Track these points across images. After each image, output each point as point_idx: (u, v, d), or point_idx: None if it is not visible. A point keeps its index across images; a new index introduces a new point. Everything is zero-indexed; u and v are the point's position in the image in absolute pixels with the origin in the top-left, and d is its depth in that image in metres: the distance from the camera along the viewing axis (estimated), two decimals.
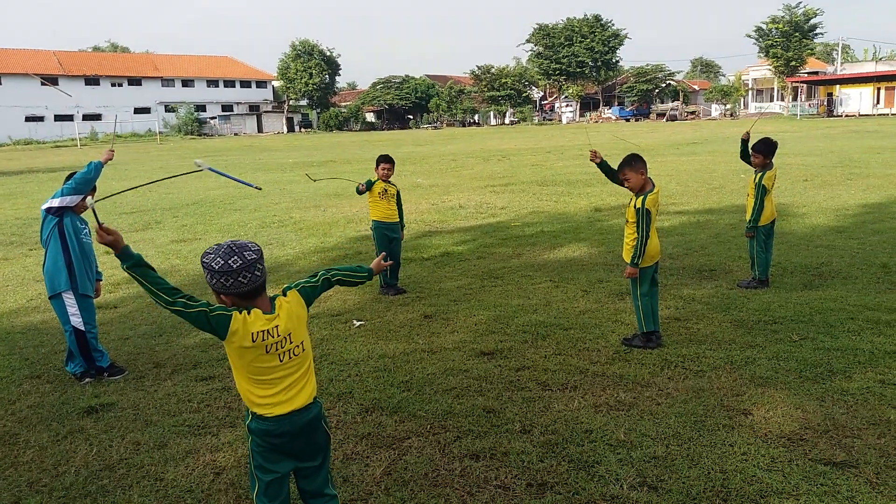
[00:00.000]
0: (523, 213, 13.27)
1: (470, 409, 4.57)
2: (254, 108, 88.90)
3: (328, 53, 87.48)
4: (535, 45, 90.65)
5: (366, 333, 6.38)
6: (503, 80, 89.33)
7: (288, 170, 27.92)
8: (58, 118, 76.56)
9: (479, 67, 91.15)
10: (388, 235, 7.71)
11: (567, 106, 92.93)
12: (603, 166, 5.98)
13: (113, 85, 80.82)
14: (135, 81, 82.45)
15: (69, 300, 5.37)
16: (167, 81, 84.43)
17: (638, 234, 5.45)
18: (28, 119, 75.11)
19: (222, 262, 2.58)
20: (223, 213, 15.34)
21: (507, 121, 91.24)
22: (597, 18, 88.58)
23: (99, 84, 79.88)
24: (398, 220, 7.81)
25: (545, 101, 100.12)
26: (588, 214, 12.72)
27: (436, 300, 7.39)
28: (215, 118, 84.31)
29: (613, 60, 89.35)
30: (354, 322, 6.73)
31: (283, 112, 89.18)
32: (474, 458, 3.94)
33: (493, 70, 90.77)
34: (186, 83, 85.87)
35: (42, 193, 21.74)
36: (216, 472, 3.93)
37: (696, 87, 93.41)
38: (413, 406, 4.65)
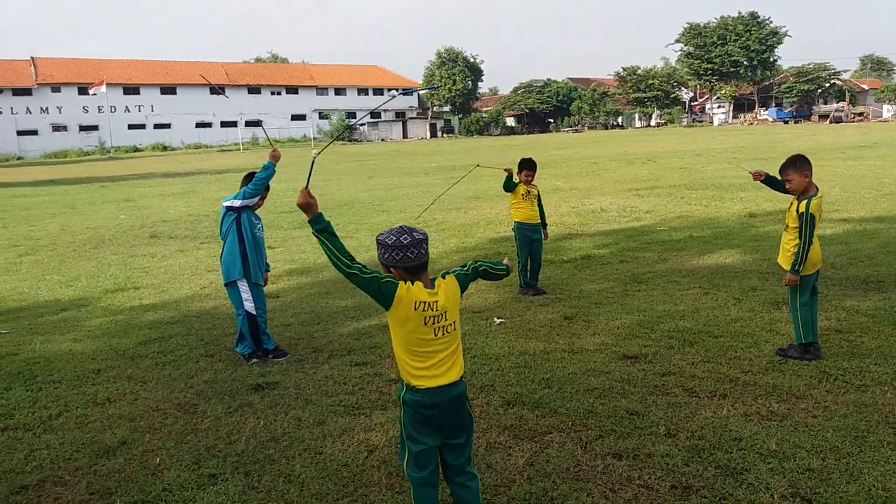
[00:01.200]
0: (670, 217, 12.87)
1: (612, 409, 4.56)
2: (400, 115, 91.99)
3: (471, 60, 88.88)
4: (685, 45, 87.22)
5: (506, 331, 6.50)
6: (650, 82, 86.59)
7: (431, 173, 28.71)
8: (223, 124, 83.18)
9: (624, 69, 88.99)
10: (529, 236, 7.80)
11: (719, 107, 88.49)
12: (767, 181, 5.73)
13: (273, 93, 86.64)
14: (292, 90, 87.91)
15: (243, 287, 5.91)
16: (321, 90, 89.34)
17: (800, 239, 5.18)
18: (198, 125, 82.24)
19: (395, 238, 2.90)
20: (372, 214, 16.08)
21: (653, 122, 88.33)
22: (753, 16, 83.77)
23: (260, 93, 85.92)
24: (539, 221, 7.88)
25: (695, 103, 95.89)
26: (741, 220, 12.12)
27: (576, 302, 7.39)
28: (364, 125, 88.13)
29: (771, 59, 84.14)
30: (495, 319, 6.87)
31: (426, 118, 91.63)
32: (617, 458, 3.94)
33: (639, 71, 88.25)
34: (339, 91, 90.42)
35: (211, 192, 23.81)
36: (369, 449, 4.20)
37: (864, 87, 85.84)
38: (554, 402, 4.71)
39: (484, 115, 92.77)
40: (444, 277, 3.08)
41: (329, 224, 3.04)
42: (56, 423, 4.87)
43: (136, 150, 75.54)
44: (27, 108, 74.61)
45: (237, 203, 5.93)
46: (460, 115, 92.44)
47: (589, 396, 4.79)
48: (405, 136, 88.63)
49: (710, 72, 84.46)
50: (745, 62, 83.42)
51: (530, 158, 8.04)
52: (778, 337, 5.86)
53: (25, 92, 74.43)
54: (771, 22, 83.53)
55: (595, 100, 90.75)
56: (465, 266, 3.26)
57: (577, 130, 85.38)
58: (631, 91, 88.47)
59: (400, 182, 25.12)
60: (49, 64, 78.15)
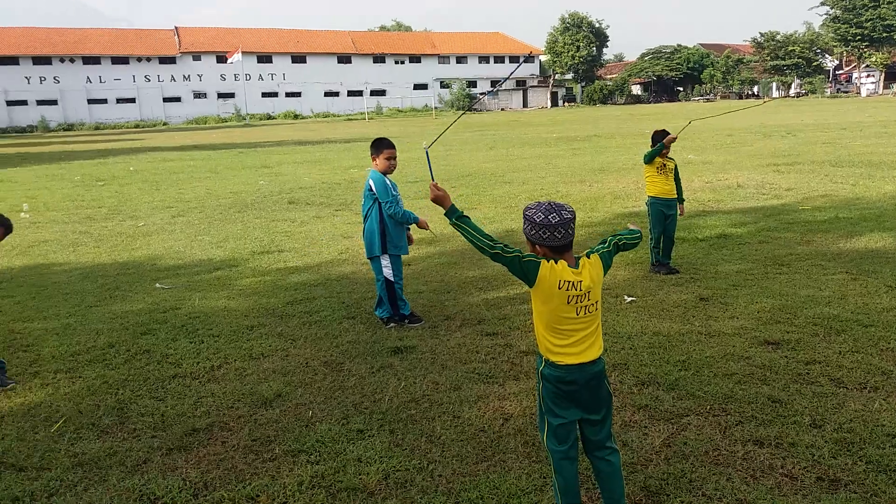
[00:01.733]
0: (813, 195, 12.12)
1: (753, 396, 4.47)
2: (520, 84, 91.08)
3: (597, 25, 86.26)
4: (832, 9, 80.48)
5: (637, 309, 6.45)
6: (790, 48, 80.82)
7: (553, 144, 28.38)
8: (350, 93, 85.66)
9: (761, 34, 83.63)
10: (664, 212, 7.62)
11: (868, 76, 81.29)
12: None
13: (396, 63, 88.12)
14: (415, 59, 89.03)
15: (384, 261, 6.21)
16: (443, 59, 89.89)
17: None
18: (326, 94, 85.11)
19: (543, 216, 2.92)
20: (494, 185, 16.17)
21: (791, 93, 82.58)
22: None
23: (385, 62, 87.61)
24: (676, 196, 7.67)
25: (840, 72, 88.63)
26: (894, 201, 11.24)
27: (712, 283, 7.19)
28: (485, 94, 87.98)
29: None
30: (626, 297, 6.83)
31: (548, 86, 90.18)
32: (758, 444, 3.88)
33: (778, 37, 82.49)
34: (460, 59, 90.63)
35: (341, 161, 24.73)
36: (505, 417, 4.36)
37: None
38: (691, 385, 4.67)
39: (608, 82, 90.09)
40: (588, 257, 3.07)
41: (462, 212, 3.16)
42: (218, 373, 5.37)
43: (269, 117, 79.33)
44: (171, 76, 79.98)
45: (389, 211, 6.16)
46: (583, 83, 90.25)
47: (728, 381, 4.71)
48: (525, 105, 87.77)
49: (859, 37, 77.59)
50: None
51: (664, 129, 7.79)
52: None
53: (170, 60, 79.75)
54: None
55: (729, 67, 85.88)
56: (605, 243, 3.22)
57: (708, 100, 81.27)
58: (769, 58, 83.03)
59: (521, 153, 25.02)
60: (190, 33, 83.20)
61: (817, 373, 4.79)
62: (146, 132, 62.09)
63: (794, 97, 78.09)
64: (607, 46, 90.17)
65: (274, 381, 5.11)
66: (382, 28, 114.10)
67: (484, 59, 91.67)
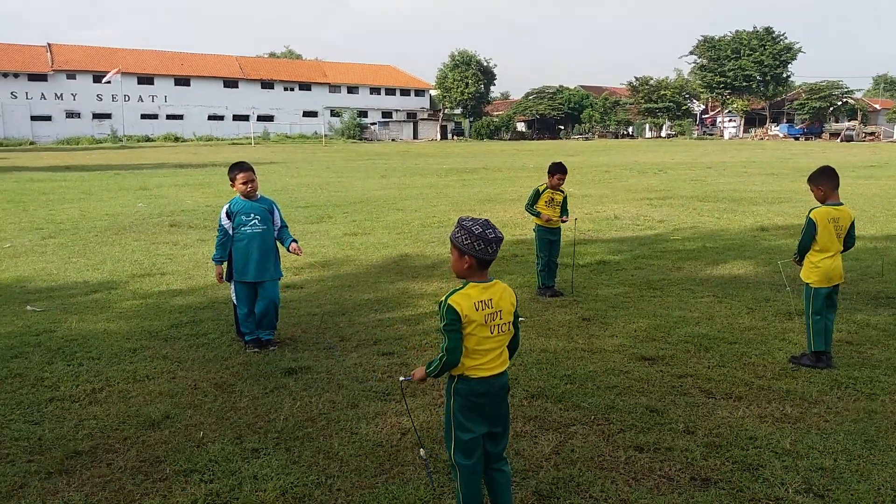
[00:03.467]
0: (683, 227, 13.08)
1: (633, 406, 4.78)
2: (411, 116, 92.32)
3: (485, 64, 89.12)
4: (699, 58, 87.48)
5: (526, 329, 6.72)
6: (662, 93, 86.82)
7: (444, 175, 28.94)
8: (236, 118, 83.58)
9: (636, 79, 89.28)
10: (549, 238, 8.02)
11: (730, 121, 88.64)
12: None
13: (286, 89, 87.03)
14: (305, 86, 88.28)
15: (231, 286, 6.31)
16: (334, 87, 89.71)
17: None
18: (210, 118, 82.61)
19: (481, 230, 3.09)
20: (387, 212, 16.29)
21: (663, 134, 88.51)
22: (767, 31, 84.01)
23: (273, 88, 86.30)
24: (558, 224, 8.08)
25: (706, 115, 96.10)
26: (753, 233, 12.33)
27: (593, 305, 7.61)
28: (375, 124, 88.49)
29: (784, 75, 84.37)
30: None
31: (437, 120, 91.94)
32: (638, 450, 4.16)
33: (651, 81, 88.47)
34: (351, 90, 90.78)
35: (225, 185, 23.92)
36: (402, 432, 4.42)
37: (877, 107, 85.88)
38: (576, 397, 4.93)
39: (495, 118, 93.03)
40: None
41: (430, 367, 3.22)
42: (100, 396, 5.11)
43: (148, 139, 75.94)
44: (42, 94, 75.02)
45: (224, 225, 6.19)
46: (471, 118, 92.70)
47: (610, 393, 5.01)
48: (415, 136, 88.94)
49: (722, 85, 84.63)
50: (757, 77, 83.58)
51: (561, 162, 8.21)
52: (790, 346, 6.07)
53: (41, 78, 74.87)
54: (785, 38, 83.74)
55: (606, 108, 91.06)
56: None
57: (587, 138, 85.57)
58: (642, 101, 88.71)
59: (413, 182, 25.35)
60: (65, 51, 78.64)
61: (689, 385, 5.19)
62: (10, 150, 57.76)
63: (665, 138, 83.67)
64: (494, 84, 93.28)
65: (161, 403, 4.93)
66: (272, 55, 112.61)
67: (375, 90, 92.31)
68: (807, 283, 5.69)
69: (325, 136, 79.73)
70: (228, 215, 6.18)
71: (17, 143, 70.63)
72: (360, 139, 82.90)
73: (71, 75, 75.85)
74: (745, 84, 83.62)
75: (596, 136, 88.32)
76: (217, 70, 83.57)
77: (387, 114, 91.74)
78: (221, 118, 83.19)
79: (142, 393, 5.15)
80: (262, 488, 3.73)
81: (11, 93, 73.49)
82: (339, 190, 21.92)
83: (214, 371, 5.62)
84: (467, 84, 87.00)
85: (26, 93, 74.24)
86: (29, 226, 14.62)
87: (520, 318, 6.85)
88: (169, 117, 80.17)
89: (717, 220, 13.93)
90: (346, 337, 6.54)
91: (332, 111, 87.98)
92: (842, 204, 5.60)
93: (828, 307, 5.62)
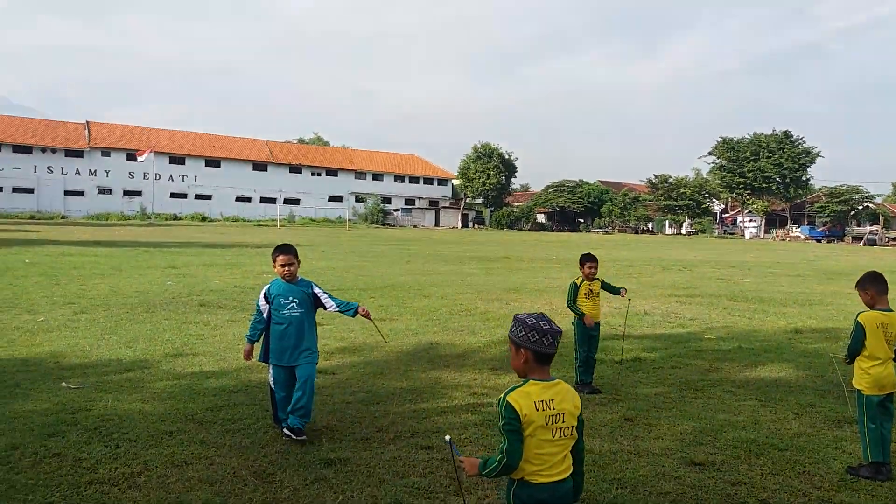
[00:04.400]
0: (715, 326, 12.93)
1: None
2: (433, 203, 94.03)
3: (506, 156, 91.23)
4: (718, 158, 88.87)
5: None
6: (682, 191, 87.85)
7: (467, 262, 29.12)
8: (263, 200, 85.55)
9: (656, 176, 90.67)
10: (589, 333, 7.96)
11: (751, 220, 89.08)
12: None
13: (313, 174, 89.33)
14: (332, 172, 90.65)
15: (269, 369, 6.30)
16: (360, 174, 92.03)
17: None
18: (238, 199, 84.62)
19: (535, 321, 3.06)
20: (413, 298, 16.31)
21: (683, 231, 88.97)
22: (786, 135, 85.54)
23: (301, 172, 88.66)
24: (600, 319, 8.05)
25: (726, 215, 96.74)
26: (787, 335, 12.14)
27: (633, 404, 7.44)
28: (398, 210, 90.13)
29: (803, 178, 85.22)
30: None
31: (459, 208, 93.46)
32: None
33: (671, 180, 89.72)
34: (376, 176, 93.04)
35: (254, 265, 24.35)
36: None
37: None
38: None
39: (515, 209, 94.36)
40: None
41: (485, 465, 3.10)
42: (139, 480, 5.01)
43: (176, 218, 77.68)
44: (77, 170, 77.64)
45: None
46: (492, 208, 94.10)
47: (664, 500, 4.83)
48: (437, 223, 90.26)
49: (742, 186, 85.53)
50: (777, 179, 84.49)
51: (590, 252, 8.29)
52: (845, 455, 5.86)
53: (77, 154, 77.69)
54: (804, 142, 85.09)
55: (626, 204, 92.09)
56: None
57: (607, 232, 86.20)
58: (662, 198, 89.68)
59: (437, 269, 25.50)
60: (102, 128, 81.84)
61: (745, 493, 4.99)
62: (42, 224, 59.23)
63: (685, 235, 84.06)
64: (515, 176, 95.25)
65: (201, 491, 4.82)
66: (301, 140, 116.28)
67: (399, 178, 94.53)
68: (858, 390, 5.55)
69: (350, 220, 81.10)
70: (266, 297, 6.22)
71: (49, 216, 72.58)
72: (383, 224, 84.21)
73: (106, 152, 78.63)
74: (764, 185, 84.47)
75: (615, 231, 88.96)
76: (247, 153, 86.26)
77: (409, 201, 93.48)
78: (249, 200, 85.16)
79: (181, 479, 5.05)
80: None
81: (48, 167, 76.14)
82: (364, 274, 22.05)
83: (252, 459, 5.51)
84: (489, 175, 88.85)
85: (62, 168, 76.86)
86: (61, 300, 14.77)
87: None
88: (198, 197, 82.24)
89: (749, 321, 13.76)
90: (383, 428, 6.41)
91: (356, 196, 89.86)
92: (891, 310, 5.53)
93: (883, 415, 5.46)
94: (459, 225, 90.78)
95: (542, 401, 3.00)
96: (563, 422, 3.04)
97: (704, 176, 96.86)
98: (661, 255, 37.54)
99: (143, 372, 8.49)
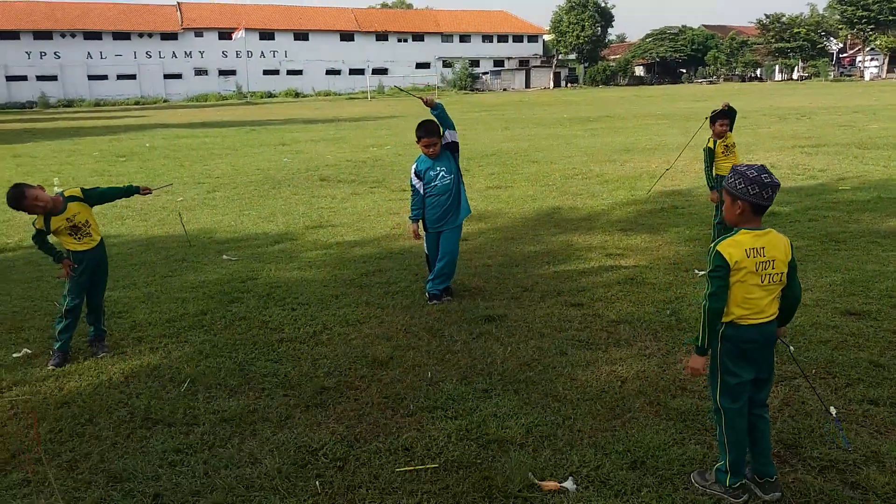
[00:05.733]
0: (848, 177, 12.32)
1: (853, 361, 4.68)
2: (523, 63, 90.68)
3: (603, 4, 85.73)
4: None
5: None
6: (795, 30, 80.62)
7: (567, 125, 28.46)
8: (352, 72, 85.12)
9: (766, 16, 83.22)
10: None
11: (872, 60, 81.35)
12: None
13: (399, 40, 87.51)
14: (418, 37, 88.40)
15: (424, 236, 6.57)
16: (446, 37, 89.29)
17: None
18: (328, 72, 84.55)
19: (756, 173, 3.09)
20: (522, 165, 16.29)
21: (795, 76, 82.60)
22: None
23: (387, 40, 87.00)
24: None
25: (844, 55, 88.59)
26: None
27: None
28: (487, 73, 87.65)
29: None
30: (696, 271, 7.02)
31: (551, 67, 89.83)
32: (873, 404, 4.10)
33: (783, 19, 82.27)
34: (463, 38, 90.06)
35: (357, 139, 24.76)
36: (620, 380, 4.56)
37: None
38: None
39: (611, 63, 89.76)
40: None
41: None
42: (322, 338, 5.55)
43: (270, 95, 78.84)
44: (173, 53, 79.21)
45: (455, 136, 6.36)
46: (586, 64, 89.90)
47: (825, 348, 4.92)
48: (527, 85, 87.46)
49: (865, 20, 77.40)
50: None
51: (722, 109, 7.98)
52: None
53: (172, 37, 78.96)
54: None
55: (733, 49, 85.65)
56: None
57: (711, 82, 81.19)
58: (773, 41, 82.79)
59: (537, 133, 25.11)
60: (193, 9, 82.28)
61: None
62: (147, 108, 61.74)
63: (797, 80, 78.10)
64: (612, 27, 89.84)
65: (381, 346, 5.31)
66: (384, 5, 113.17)
67: (488, 38, 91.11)
68: None
69: (438, 87, 79.89)
70: (417, 174, 6.42)
71: (152, 100, 75.39)
72: (472, 90, 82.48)
73: (199, 33, 79.46)
74: (891, 18, 76.10)
75: (721, 80, 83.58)
76: (334, 23, 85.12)
77: (498, 62, 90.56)
78: (338, 72, 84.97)
79: (359, 336, 5.56)
80: (506, 426, 3.99)
81: (146, 52, 78.07)
82: (466, 142, 21.94)
83: (418, 317, 5.96)
84: (583, 27, 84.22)
85: (159, 52, 78.60)
86: (190, 180, 15.71)
87: (700, 273, 6.80)
88: (289, 73, 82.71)
89: (885, 169, 13.00)
90: (528, 287, 6.71)
91: (444, 62, 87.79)
92: None
93: None
94: (552, 85, 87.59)
95: (752, 248, 3.10)
96: (773, 268, 3.14)
97: (820, 13, 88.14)
98: (775, 104, 35.26)
99: (292, 243, 9.11)
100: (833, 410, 3.68)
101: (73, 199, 5.27)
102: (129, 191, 5.64)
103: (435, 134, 6.25)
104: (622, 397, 4.32)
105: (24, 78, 73.43)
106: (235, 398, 4.50)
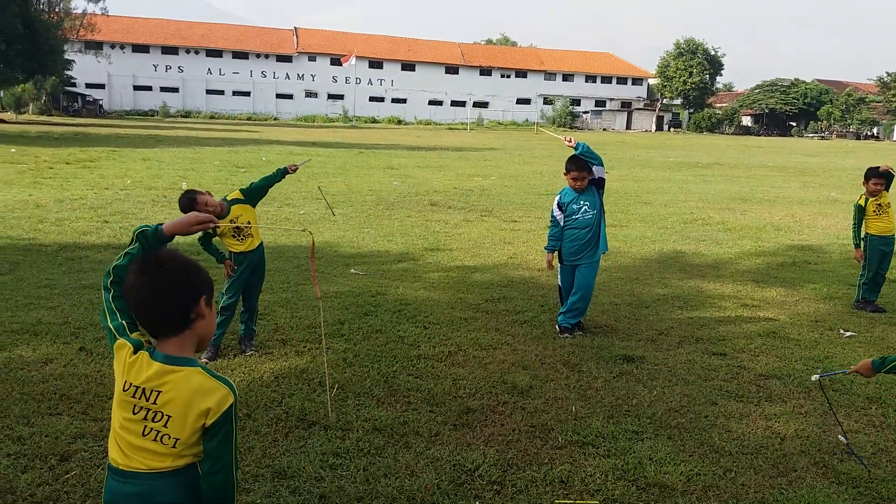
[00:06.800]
0: None
1: None
2: (625, 105, 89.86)
3: (713, 52, 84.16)
4: None
5: (860, 344, 6.29)
6: None
7: (675, 169, 27.88)
8: (453, 103, 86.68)
9: (888, 74, 79.43)
10: (882, 250, 7.44)
11: None
12: None
13: (502, 76, 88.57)
14: (521, 74, 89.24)
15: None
16: (549, 75, 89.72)
17: None
18: (430, 102, 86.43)
19: None
20: (635, 205, 16.02)
21: None
22: None
23: (490, 75, 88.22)
24: (894, 234, 7.47)
25: None
26: None
27: None
28: (588, 112, 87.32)
29: None
30: (842, 332, 6.67)
31: (654, 110, 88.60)
32: None
33: None
34: (566, 77, 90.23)
35: (460, 168, 25.07)
36: (780, 437, 4.34)
37: None
38: None
39: (718, 111, 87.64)
40: None
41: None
42: (458, 359, 5.58)
43: (374, 121, 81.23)
44: (286, 74, 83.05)
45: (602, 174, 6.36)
46: (691, 110, 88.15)
47: None
48: (628, 126, 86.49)
49: None
50: None
51: (878, 167, 7.63)
52: None
53: (286, 59, 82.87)
54: None
55: (849, 105, 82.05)
56: None
57: (823, 137, 77.94)
58: (893, 99, 78.85)
59: (645, 175, 24.72)
60: (308, 34, 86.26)
61: None
62: (259, 125, 64.73)
63: None
64: (721, 74, 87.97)
65: (518, 374, 5.27)
66: (489, 42, 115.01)
67: (591, 78, 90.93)
68: None
69: (537, 123, 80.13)
70: (560, 206, 6.43)
71: (263, 118, 79.04)
72: (571, 127, 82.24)
73: (311, 57, 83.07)
74: None
75: (834, 136, 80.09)
76: (440, 56, 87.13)
77: (600, 102, 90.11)
78: (441, 103, 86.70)
79: (493, 361, 5.55)
80: (664, 471, 3.86)
81: (262, 72, 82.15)
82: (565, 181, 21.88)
83: (551, 349, 5.90)
84: (691, 73, 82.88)
85: (273, 72, 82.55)
86: (308, 196, 16.27)
87: (847, 333, 6.45)
88: (394, 101, 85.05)
89: None
90: (663, 331, 6.54)
91: (545, 98, 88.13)
92: None
93: None
94: (654, 128, 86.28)
95: None
96: None
97: None
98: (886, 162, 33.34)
99: (413, 263, 9.25)
100: (843, 438, 3.69)
101: (235, 202, 5.55)
102: (280, 174, 5.90)
103: (585, 169, 6.24)
104: (784, 455, 4.12)
105: (149, 88, 78.69)
106: (384, 408, 4.57)
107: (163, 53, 79.39)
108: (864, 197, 7.58)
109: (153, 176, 18.48)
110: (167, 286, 1.97)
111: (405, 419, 4.41)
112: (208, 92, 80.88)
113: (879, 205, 7.51)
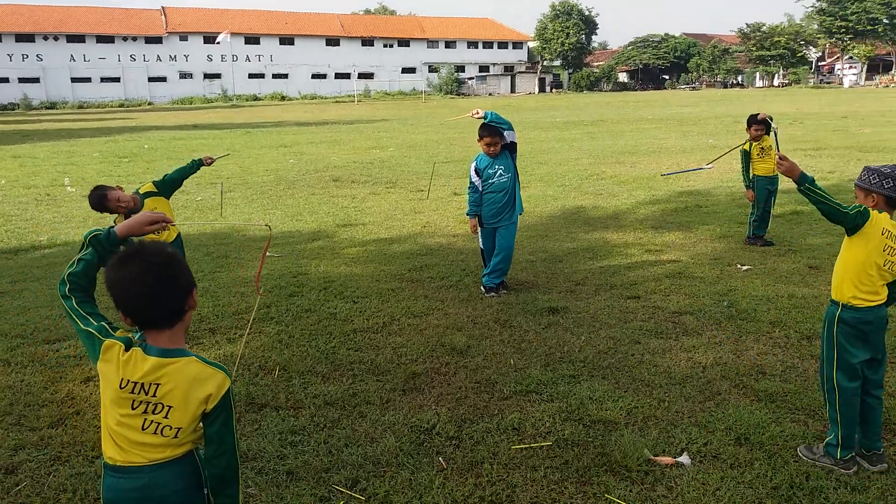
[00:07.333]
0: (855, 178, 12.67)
1: None
2: (508, 69, 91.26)
3: (587, 13, 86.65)
4: (818, 1, 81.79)
5: (757, 276, 6.87)
6: (776, 39, 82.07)
7: (563, 128, 28.77)
8: (338, 76, 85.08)
9: (748, 25, 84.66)
10: (768, 189, 8.09)
11: (850, 68, 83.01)
12: None
13: (385, 46, 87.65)
14: (404, 43, 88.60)
15: (479, 232, 6.73)
16: (432, 43, 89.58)
17: None
18: (313, 76, 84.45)
19: (890, 170, 3.36)
20: (531, 165, 16.46)
21: (776, 83, 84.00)
22: None
23: (373, 45, 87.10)
24: (779, 174, 8.11)
25: (823, 63, 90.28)
26: None
27: (811, 253, 7.66)
28: (473, 78, 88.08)
29: None
30: (739, 266, 7.25)
31: (535, 73, 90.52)
32: None
33: (763, 28, 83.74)
34: (449, 44, 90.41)
35: (355, 141, 24.85)
36: (701, 366, 4.75)
37: None
38: None
39: (595, 70, 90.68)
40: None
41: (812, 179, 3.52)
42: (393, 328, 5.68)
43: (256, 98, 78.55)
44: (157, 56, 78.63)
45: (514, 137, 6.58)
46: (570, 70, 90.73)
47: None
48: (513, 90, 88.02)
49: (843, 30, 79.08)
50: (884, 20, 77.55)
51: (757, 114, 8.25)
52: None
53: (156, 40, 78.41)
54: None
55: (715, 57, 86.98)
56: None
57: (694, 88, 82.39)
58: (754, 49, 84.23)
59: (535, 136, 25.36)
60: (178, 13, 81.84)
61: None
62: (132, 112, 61.16)
63: (778, 87, 79.42)
64: (596, 34, 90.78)
65: (455, 335, 5.44)
66: (367, 12, 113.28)
67: (473, 44, 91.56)
68: None
69: (424, 92, 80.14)
70: (477, 172, 6.60)
71: (136, 103, 74.73)
72: (458, 94, 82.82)
73: (183, 37, 79.00)
74: (869, 28, 77.81)
75: (704, 86, 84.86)
76: (319, 29, 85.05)
77: (483, 68, 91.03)
78: (324, 76, 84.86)
79: (428, 326, 5.70)
80: (605, 408, 4.15)
81: (130, 56, 77.44)
82: (467, 145, 22.21)
83: (481, 309, 6.11)
84: (568, 34, 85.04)
85: (143, 55, 77.98)
86: (204, 181, 15.64)
87: (744, 267, 7.02)
88: (275, 76, 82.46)
89: None
90: (579, 282, 6.89)
91: (430, 67, 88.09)
92: None
93: None
94: (537, 90, 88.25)
95: (887, 229, 3.30)
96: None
97: (799, 22, 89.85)
98: (761, 109, 35.81)
99: (328, 240, 9.21)
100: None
101: (148, 194, 5.37)
102: (195, 166, 5.76)
103: (497, 134, 6.42)
104: (707, 381, 4.51)
105: (6, 80, 72.49)
106: (331, 383, 4.62)
107: (17, 41, 73.18)
108: (748, 142, 8.20)
109: (29, 174, 17.24)
110: (163, 279, 1.98)
111: (354, 391, 4.49)
112: (73, 80, 75.42)
113: (762, 148, 8.14)
